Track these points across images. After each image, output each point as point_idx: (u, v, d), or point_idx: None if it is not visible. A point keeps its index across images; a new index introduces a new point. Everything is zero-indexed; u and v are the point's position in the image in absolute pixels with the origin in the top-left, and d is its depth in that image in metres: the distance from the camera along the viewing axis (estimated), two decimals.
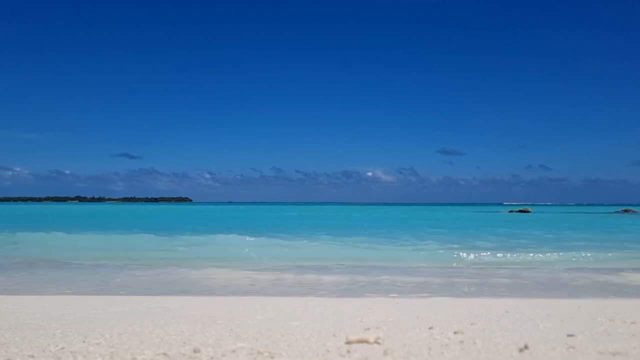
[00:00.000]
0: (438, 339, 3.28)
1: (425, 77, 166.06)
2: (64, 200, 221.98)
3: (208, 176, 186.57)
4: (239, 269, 12.30)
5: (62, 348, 3.18)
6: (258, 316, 4.89)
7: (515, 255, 14.87)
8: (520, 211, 66.72)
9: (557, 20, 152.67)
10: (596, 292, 9.27)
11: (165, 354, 2.94)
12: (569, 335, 3.34)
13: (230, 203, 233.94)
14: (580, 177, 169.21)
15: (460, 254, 14.98)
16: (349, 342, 3.17)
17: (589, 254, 15.04)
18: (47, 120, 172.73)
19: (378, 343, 3.14)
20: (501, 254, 14.93)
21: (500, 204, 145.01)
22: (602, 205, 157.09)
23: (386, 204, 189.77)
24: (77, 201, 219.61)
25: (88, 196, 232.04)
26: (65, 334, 3.81)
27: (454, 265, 13.34)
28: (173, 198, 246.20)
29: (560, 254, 15.14)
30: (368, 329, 3.95)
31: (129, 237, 20.53)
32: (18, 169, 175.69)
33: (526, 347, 2.90)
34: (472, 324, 4.07)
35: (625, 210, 62.33)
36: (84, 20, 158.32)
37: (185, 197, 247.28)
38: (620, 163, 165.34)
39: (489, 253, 15.26)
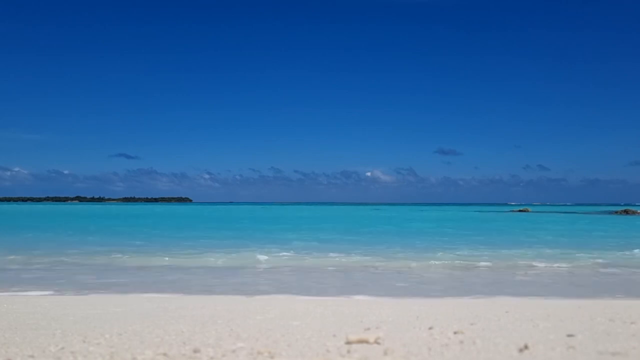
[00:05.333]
0: (438, 339, 3.27)
1: (423, 77, 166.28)
2: (64, 201, 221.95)
3: (207, 176, 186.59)
4: None
5: (62, 348, 3.18)
6: (258, 316, 4.89)
7: (516, 255, 14.88)
8: (520, 211, 66.81)
9: (556, 21, 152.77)
10: (596, 292, 9.27)
11: (165, 354, 2.94)
12: (568, 335, 3.34)
13: (231, 203, 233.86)
14: (579, 177, 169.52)
15: (463, 253, 14.99)
16: (349, 342, 3.17)
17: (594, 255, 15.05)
18: (47, 120, 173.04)
19: (378, 343, 3.14)
20: (503, 254, 14.94)
21: (499, 204, 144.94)
22: (602, 205, 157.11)
23: (385, 204, 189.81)
24: (77, 201, 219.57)
25: (88, 196, 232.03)
26: (65, 334, 3.81)
27: (455, 265, 13.33)
28: (173, 198, 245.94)
29: (562, 254, 15.15)
30: (368, 329, 3.94)
31: None
32: (17, 169, 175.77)
33: (526, 347, 2.90)
34: (472, 324, 4.07)
35: (625, 211, 62.19)
36: (84, 21, 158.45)
37: (185, 197, 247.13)
38: (619, 163, 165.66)
39: (490, 253, 15.28)
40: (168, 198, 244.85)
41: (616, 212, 61.88)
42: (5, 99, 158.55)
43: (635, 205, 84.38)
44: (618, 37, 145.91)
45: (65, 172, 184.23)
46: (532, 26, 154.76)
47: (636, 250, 16.28)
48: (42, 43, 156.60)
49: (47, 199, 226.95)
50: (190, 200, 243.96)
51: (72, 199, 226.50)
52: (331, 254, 14.75)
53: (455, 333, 3.52)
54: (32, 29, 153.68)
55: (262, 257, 14.18)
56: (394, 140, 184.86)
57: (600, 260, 13.81)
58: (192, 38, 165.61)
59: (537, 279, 11.11)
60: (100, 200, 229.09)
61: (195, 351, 3.00)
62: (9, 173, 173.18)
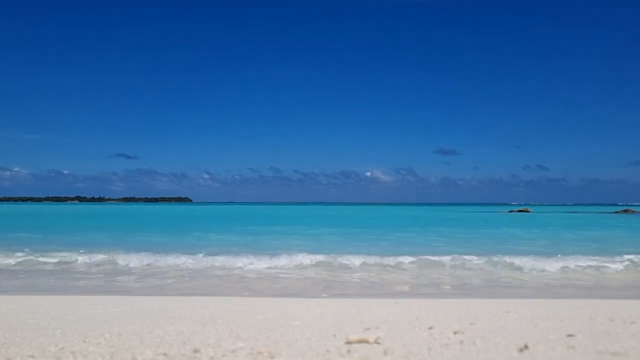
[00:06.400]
0: (438, 339, 3.27)
1: (423, 77, 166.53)
2: (64, 201, 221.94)
3: (207, 176, 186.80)
4: None
5: (62, 348, 3.18)
6: (258, 316, 4.88)
7: (517, 256, 14.87)
8: (520, 211, 66.78)
9: (556, 20, 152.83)
10: (596, 292, 9.27)
11: (165, 354, 2.93)
12: (568, 335, 3.34)
13: (231, 203, 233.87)
14: (579, 177, 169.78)
15: (464, 256, 14.98)
16: (349, 342, 3.17)
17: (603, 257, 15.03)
18: (47, 120, 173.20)
19: (378, 343, 3.14)
20: (503, 255, 14.93)
21: (499, 204, 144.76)
22: (601, 205, 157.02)
23: (385, 204, 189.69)
24: (77, 201, 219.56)
25: (88, 196, 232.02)
26: (65, 334, 3.80)
27: (454, 266, 13.32)
28: (173, 198, 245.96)
29: (564, 255, 15.14)
30: (368, 329, 3.94)
31: None
32: (17, 169, 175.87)
33: (526, 347, 2.90)
34: (472, 324, 4.07)
35: (625, 211, 62.28)
36: (84, 20, 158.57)
37: (185, 197, 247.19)
38: (619, 163, 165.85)
39: (492, 254, 15.26)
40: (168, 198, 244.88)
41: (616, 212, 61.94)
42: (5, 99, 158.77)
43: (635, 205, 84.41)
44: (618, 36, 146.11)
45: (65, 172, 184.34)
46: (532, 26, 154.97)
47: (635, 251, 16.28)
48: (42, 43, 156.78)
49: (47, 199, 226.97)
50: (190, 200, 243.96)
51: (72, 199, 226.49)
52: (330, 254, 14.74)
53: (455, 333, 3.52)
54: (32, 29, 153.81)
55: (263, 258, 14.17)
56: (393, 140, 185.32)
57: (601, 260, 13.80)
58: (192, 38, 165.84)
59: (537, 279, 11.11)
60: (100, 200, 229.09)
61: (195, 351, 3.00)
62: (9, 173, 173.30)
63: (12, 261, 13.69)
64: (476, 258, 14.06)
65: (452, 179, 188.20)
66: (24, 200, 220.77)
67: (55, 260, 13.87)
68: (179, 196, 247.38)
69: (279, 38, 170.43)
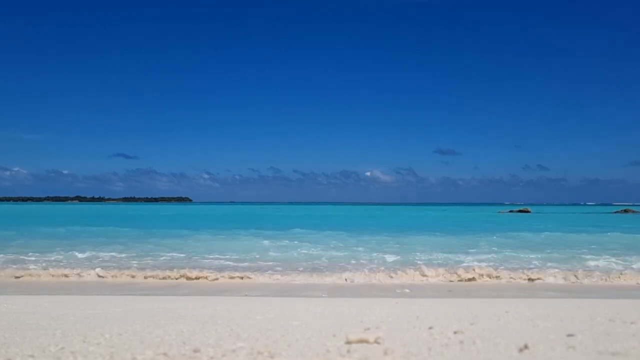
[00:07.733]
0: (438, 339, 3.27)
1: (423, 77, 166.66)
2: (64, 201, 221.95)
3: (206, 176, 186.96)
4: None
5: (62, 348, 3.18)
6: (258, 316, 4.88)
7: (517, 256, 14.87)
8: (520, 211, 66.72)
9: (556, 20, 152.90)
10: (596, 293, 9.27)
11: (165, 354, 2.93)
12: (568, 335, 3.34)
13: (231, 203, 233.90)
14: (579, 177, 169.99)
15: (463, 254, 14.99)
16: (349, 342, 3.17)
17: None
18: (47, 120, 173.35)
19: (378, 343, 3.14)
20: (504, 255, 14.94)
21: (498, 204, 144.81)
22: (601, 205, 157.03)
23: (385, 204, 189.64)
24: (77, 201, 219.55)
25: (88, 196, 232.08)
26: (65, 334, 3.80)
27: (454, 266, 13.32)
28: (173, 198, 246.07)
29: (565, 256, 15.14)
30: (368, 329, 3.94)
31: None
32: (17, 169, 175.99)
33: (526, 347, 2.90)
34: (472, 324, 4.07)
35: (626, 211, 62.33)
36: (84, 20, 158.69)
37: (185, 197, 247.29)
38: (619, 163, 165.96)
39: (490, 254, 15.27)
40: (168, 198, 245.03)
41: (616, 212, 61.98)
42: (5, 99, 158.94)
43: (635, 205, 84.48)
44: (618, 36, 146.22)
45: (65, 172, 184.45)
46: (532, 26, 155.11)
47: (635, 251, 16.28)
48: (42, 43, 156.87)
49: (47, 198, 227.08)
50: (190, 200, 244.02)
51: (72, 199, 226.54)
52: (328, 256, 14.75)
53: (455, 333, 3.52)
54: (32, 29, 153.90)
55: (262, 261, 14.18)
56: (393, 140, 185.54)
57: (601, 260, 13.80)
58: (192, 38, 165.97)
59: (536, 279, 11.11)
60: (100, 200, 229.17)
61: (195, 351, 3.00)
62: (8, 173, 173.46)
63: None
64: (476, 258, 14.06)
65: (452, 179, 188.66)
66: (24, 200, 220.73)
67: None
68: (179, 196, 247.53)
69: (279, 38, 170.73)
